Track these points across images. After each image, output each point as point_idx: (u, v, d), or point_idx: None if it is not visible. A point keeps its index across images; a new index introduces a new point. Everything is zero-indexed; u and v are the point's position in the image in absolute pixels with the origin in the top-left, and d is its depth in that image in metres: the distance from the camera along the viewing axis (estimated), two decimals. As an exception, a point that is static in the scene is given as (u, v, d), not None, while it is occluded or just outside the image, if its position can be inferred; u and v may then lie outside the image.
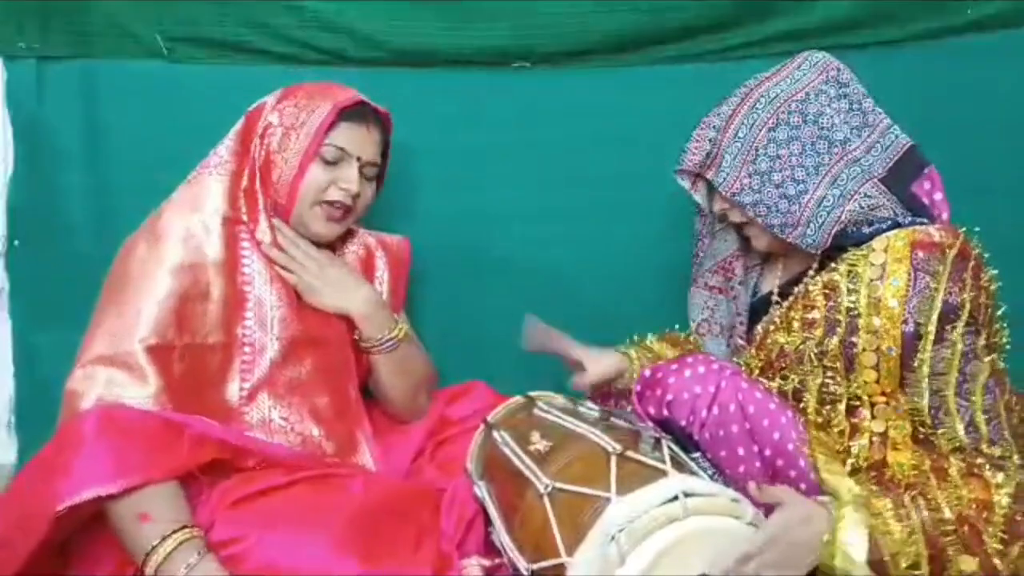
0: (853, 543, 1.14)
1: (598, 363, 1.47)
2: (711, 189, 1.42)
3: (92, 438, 1.19)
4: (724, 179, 1.35)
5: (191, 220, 1.39)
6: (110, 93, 1.72)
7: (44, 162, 1.71)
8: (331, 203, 1.46)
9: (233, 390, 1.38)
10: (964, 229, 1.30)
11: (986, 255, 1.29)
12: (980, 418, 1.23)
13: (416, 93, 1.77)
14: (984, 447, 1.22)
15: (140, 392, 1.28)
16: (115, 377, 1.28)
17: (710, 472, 1.25)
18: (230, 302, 1.39)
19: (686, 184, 1.45)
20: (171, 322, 1.33)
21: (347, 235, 1.59)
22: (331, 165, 1.45)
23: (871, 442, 1.28)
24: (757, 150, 1.33)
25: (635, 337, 1.58)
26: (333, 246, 1.57)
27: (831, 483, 1.21)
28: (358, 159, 1.46)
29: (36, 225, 1.72)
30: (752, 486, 1.19)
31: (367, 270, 1.61)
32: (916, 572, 1.16)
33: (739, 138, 1.34)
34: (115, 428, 1.21)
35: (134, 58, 1.71)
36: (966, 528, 1.16)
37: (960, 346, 1.22)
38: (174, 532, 1.18)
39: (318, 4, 1.70)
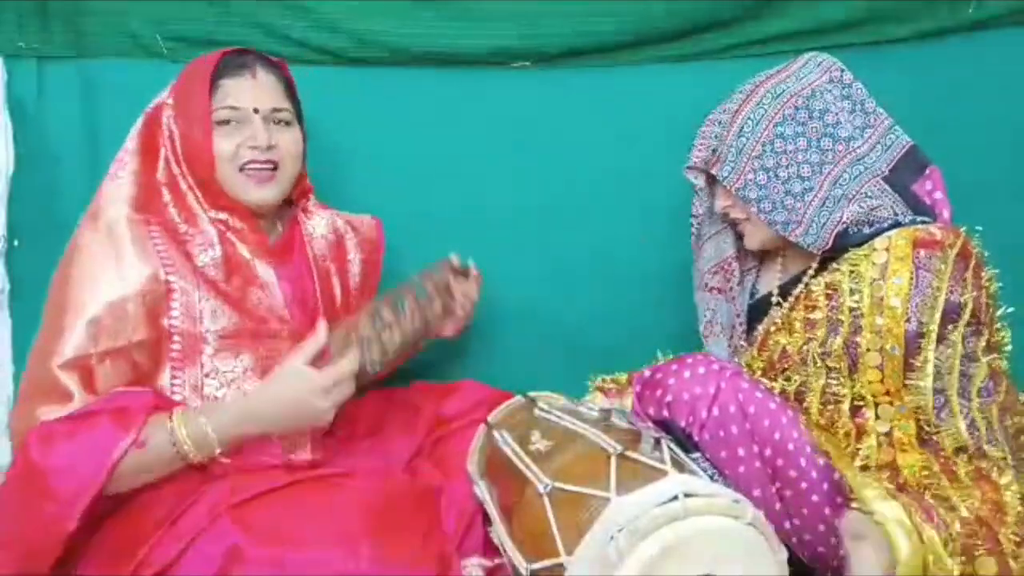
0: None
1: None
2: (715, 186, 1.42)
3: (45, 455, 1.20)
4: (729, 174, 1.35)
5: (96, 229, 1.36)
6: (110, 93, 1.72)
7: (44, 162, 1.71)
8: (250, 163, 1.40)
9: (165, 382, 1.35)
10: (964, 228, 1.30)
11: (987, 254, 1.30)
12: (979, 418, 1.23)
13: (416, 93, 1.77)
14: (985, 447, 1.22)
15: (68, 410, 1.26)
16: (43, 405, 1.27)
17: (710, 473, 1.25)
18: (151, 296, 1.33)
19: (700, 182, 1.45)
20: (86, 334, 1.29)
21: (315, 218, 1.56)
22: (230, 126, 1.39)
23: (878, 443, 1.28)
24: (763, 145, 1.33)
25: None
26: (299, 230, 1.53)
27: (872, 506, 1.20)
28: (255, 110, 1.40)
29: (36, 225, 1.72)
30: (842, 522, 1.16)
31: (338, 255, 1.58)
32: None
33: (744, 133, 1.34)
34: (60, 436, 1.22)
35: (134, 58, 1.71)
36: (984, 529, 1.16)
37: (961, 346, 1.22)
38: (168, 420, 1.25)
39: (318, 4, 1.70)
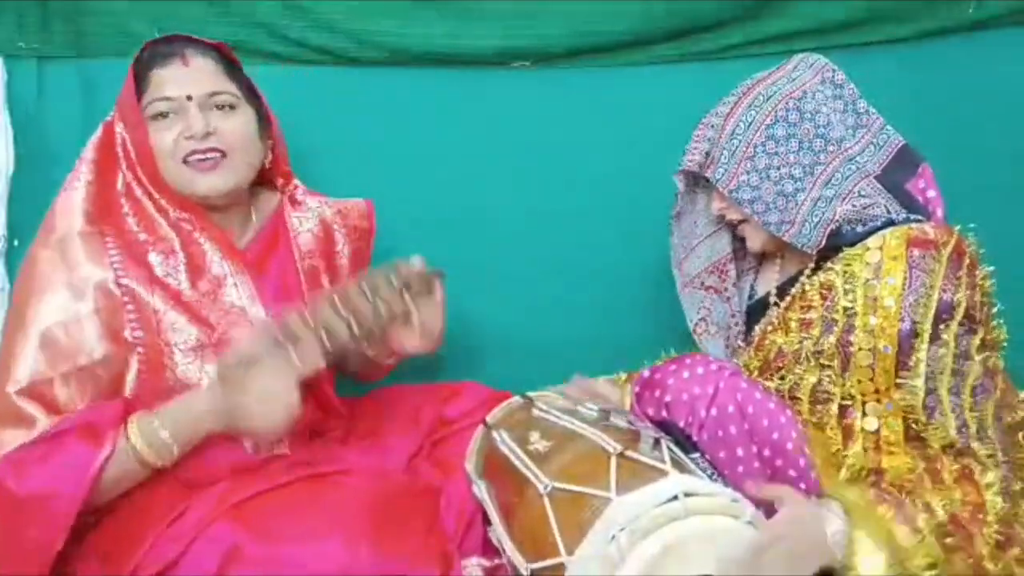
0: (869, 564, 1.14)
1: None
2: (710, 189, 1.43)
3: (21, 483, 1.17)
4: (722, 176, 1.35)
5: (48, 245, 1.31)
6: (110, 93, 1.70)
7: (44, 162, 1.70)
8: (192, 155, 1.32)
9: (133, 395, 1.30)
10: (959, 227, 1.30)
11: (985, 253, 1.30)
12: (970, 417, 1.23)
13: (416, 93, 1.77)
14: (974, 445, 1.23)
15: (34, 433, 1.22)
16: (6, 429, 1.23)
17: (709, 473, 1.25)
18: (106, 311, 1.28)
19: (681, 186, 1.46)
20: (42, 357, 1.24)
21: (302, 210, 1.50)
22: (168, 119, 1.32)
23: (864, 449, 1.28)
24: (755, 147, 1.33)
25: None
26: (283, 224, 1.48)
27: (833, 493, 1.21)
28: (188, 97, 1.32)
29: (36, 225, 1.71)
30: (750, 484, 1.18)
31: (326, 250, 1.52)
32: (933, 572, 1.15)
33: (737, 135, 1.34)
34: (33, 461, 1.19)
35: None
36: (959, 530, 1.17)
37: (954, 345, 1.23)
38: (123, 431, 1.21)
39: (318, 4, 1.69)
